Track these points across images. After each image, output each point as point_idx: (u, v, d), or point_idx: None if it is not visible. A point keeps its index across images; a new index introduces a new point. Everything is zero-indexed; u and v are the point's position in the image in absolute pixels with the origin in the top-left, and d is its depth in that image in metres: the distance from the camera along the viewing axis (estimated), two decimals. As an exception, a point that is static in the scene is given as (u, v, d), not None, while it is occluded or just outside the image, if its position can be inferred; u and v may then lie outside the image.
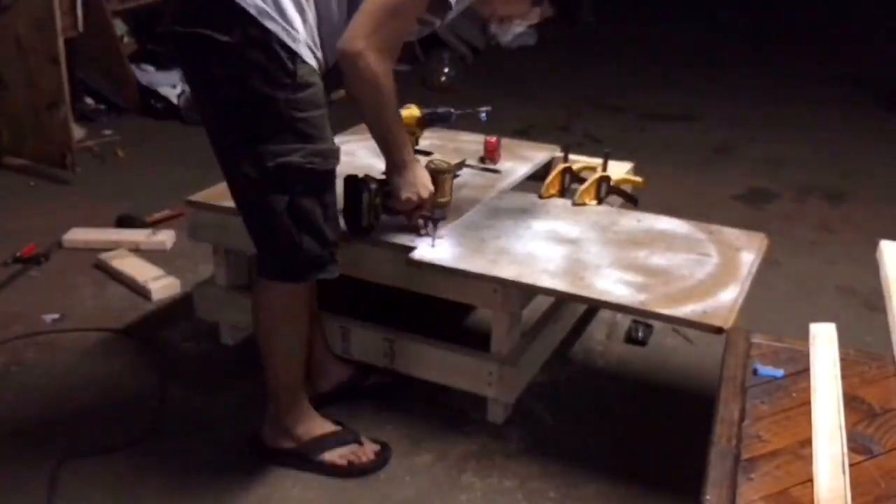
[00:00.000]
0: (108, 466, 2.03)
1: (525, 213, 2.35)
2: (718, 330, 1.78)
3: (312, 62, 1.69)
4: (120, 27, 4.93)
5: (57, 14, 3.66)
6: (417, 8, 1.72)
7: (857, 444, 1.36)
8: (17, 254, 3.07)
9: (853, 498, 1.23)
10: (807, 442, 1.36)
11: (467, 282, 2.03)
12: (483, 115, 2.53)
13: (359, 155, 2.56)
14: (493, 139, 2.68)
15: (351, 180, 1.99)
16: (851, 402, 1.47)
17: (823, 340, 1.63)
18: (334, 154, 1.75)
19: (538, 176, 2.67)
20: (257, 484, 1.98)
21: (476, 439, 2.14)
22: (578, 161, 2.60)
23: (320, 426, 2.02)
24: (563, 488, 1.99)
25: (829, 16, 7.66)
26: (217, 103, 1.71)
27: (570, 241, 2.18)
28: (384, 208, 2.08)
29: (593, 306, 2.53)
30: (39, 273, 3.00)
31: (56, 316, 2.70)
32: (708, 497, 1.26)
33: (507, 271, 2.00)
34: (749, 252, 2.13)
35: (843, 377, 1.52)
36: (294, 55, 1.63)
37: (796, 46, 6.99)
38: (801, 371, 1.57)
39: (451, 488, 1.98)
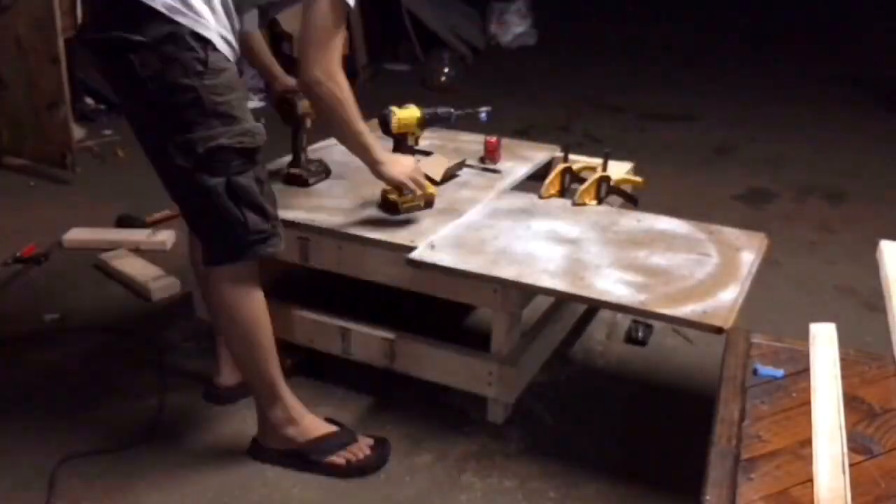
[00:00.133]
0: (108, 466, 2.03)
1: (525, 213, 2.35)
2: (718, 330, 1.78)
3: (225, 49, 1.78)
4: (120, 27, 4.92)
5: (57, 14, 3.66)
6: (343, 18, 1.83)
7: (857, 444, 1.36)
8: (17, 254, 3.07)
9: (853, 498, 1.23)
10: (807, 442, 1.36)
11: (467, 282, 2.03)
12: (483, 115, 2.53)
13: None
14: (493, 139, 2.68)
15: None
16: (851, 402, 1.47)
17: (823, 340, 1.63)
18: (260, 131, 1.83)
19: (538, 176, 2.67)
20: (257, 484, 1.98)
21: (476, 439, 2.14)
22: (578, 161, 2.60)
23: (317, 426, 2.02)
24: (563, 488, 1.99)
25: (829, 16, 7.66)
26: (141, 101, 1.76)
27: (570, 241, 2.18)
28: (383, 206, 2.09)
29: (593, 306, 2.53)
30: (39, 273, 3.01)
31: (56, 316, 2.70)
32: (708, 497, 1.26)
33: (507, 271, 2.00)
34: (749, 252, 2.13)
35: (843, 377, 1.52)
36: (206, 44, 1.71)
37: (796, 46, 7.00)
38: (801, 371, 1.57)
39: (451, 488, 1.98)
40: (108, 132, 4.57)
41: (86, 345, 2.55)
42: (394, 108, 2.28)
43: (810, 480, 1.28)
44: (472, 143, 2.78)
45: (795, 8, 7.83)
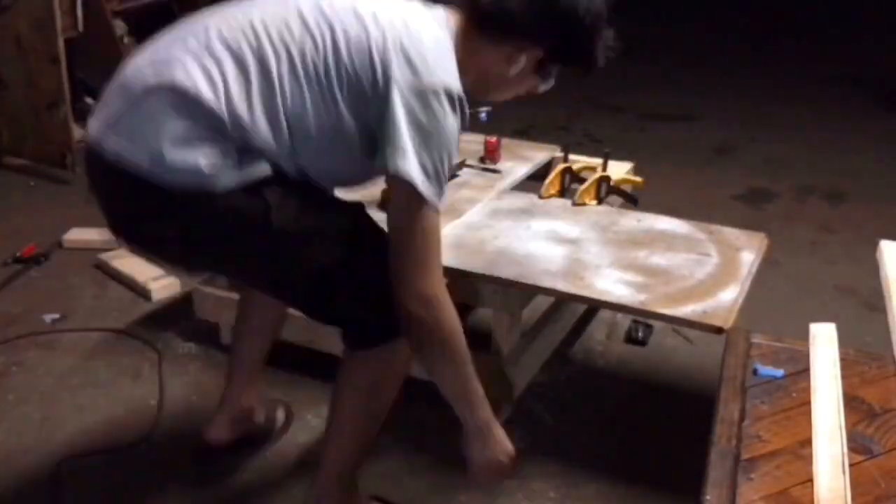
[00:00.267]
0: (108, 466, 2.03)
1: (525, 213, 2.35)
2: (718, 330, 1.78)
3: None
4: (120, 27, 4.93)
5: (57, 14, 3.66)
6: (438, 227, 1.49)
7: (857, 444, 1.36)
8: (17, 254, 3.07)
9: (853, 498, 1.23)
10: (807, 442, 1.36)
11: (467, 282, 2.03)
12: (483, 115, 2.53)
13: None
14: (493, 139, 2.68)
15: None
16: (851, 402, 1.47)
17: (823, 340, 1.63)
18: (346, 206, 1.59)
19: (538, 176, 2.67)
20: (258, 483, 1.98)
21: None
22: (578, 161, 2.60)
23: None
24: (563, 488, 1.99)
25: (829, 16, 7.66)
26: (230, 255, 1.54)
27: (570, 241, 2.18)
28: (383, 207, 2.04)
29: (593, 306, 2.52)
30: (39, 273, 3.01)
31: (56, 316, 2.70)
32: (708, 497, 1.26)
33: (507, 271, 2.00)
34: (749, 252, 2.13)
35: (843, 377, 1.52)
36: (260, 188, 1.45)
37: (796, 46, 6.99)
38: (801, 371, 1.56)
39: (451, 488, 1.98)
40: (108, 132, 4.57)
41: (86, 345, 2.55)
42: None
43: (810, 480, 1.28)
44: (472, 143, 2.78)
45: (795, 8, 7.83)
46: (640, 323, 2.60)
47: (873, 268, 1.99)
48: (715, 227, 2.28)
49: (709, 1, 8.02)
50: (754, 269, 2.06)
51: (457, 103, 1.42)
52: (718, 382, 1.56)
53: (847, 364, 1.58)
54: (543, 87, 1.57)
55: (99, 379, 2.39)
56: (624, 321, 2.68)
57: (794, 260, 3.19)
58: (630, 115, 5.16)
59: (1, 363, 2.45)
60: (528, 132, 4.59)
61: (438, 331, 1.49)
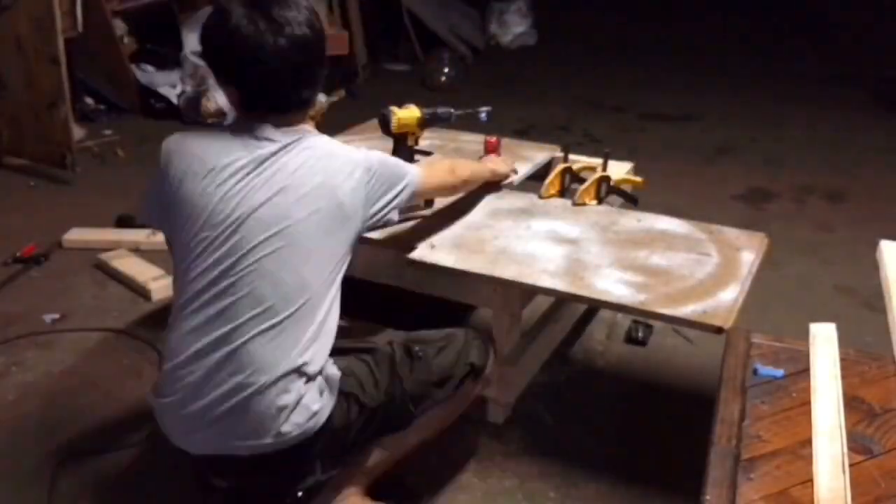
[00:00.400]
0: (108, 466, 2.03)
1: (525, 213, 2.34)
2: (718, 330, 1.78)
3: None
4: (120, 27, 4.93)
5: (57, 14, 3.66)
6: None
7: (857, 444, 1.36)
8: (17, 254, 3.07)
9: (853, 498, 1.23)
10: (807, 442, 1.36)
11: (467, 282, 2.03)
12: (483, 115, 2.52)
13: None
14: (493, 139, 2.68)
15: None
16: (851, 402, 1.47)
17: (823, 340, 1.63)
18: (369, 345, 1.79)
19: (538, 176, 2.66)
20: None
21: (476, 439, 2.14)
22: (578, 161, 2.60)
23: None
24: (563, 488, 1.99)
25: (828, 16, 7.66)
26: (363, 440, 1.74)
27: (570, 241, 2.18)
28: None
29: (593, 306, 2.52)
30: (39, 273, 3.01)
31: (56, 316, 2.70)
32: (708, 497, 1.26)
33: (507, 271, 1.99)
34: (749, 252, 2.13)
35: (843, 377, 1.52)
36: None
37: (796, 46, 6.99)
38: (801, 371, 1.56)
39: (451, 488, 1.98)
40: (108, 132, 4.58)
41: (86, 345, 2.55)
42: (394, 108, 2.28)
43: (810, 480, 1.28)
44: (472, 143, 2.78)
45: (795, 8, 7.83)
46: (640, 323, 2.60)
47: (873, 268, 1.99)
48: (715, 227, 2.27)
49: (709, 1, 8.03)
50: (754, 269, 2.06)
51: None
52: (718, 382, 1.56)
53: (847, 364, 1.58)
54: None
55: (99, 379, 2.39)
56: (624, 321, 2.68)
57: (794, 260, 3.19)
58: (630, 115, 5.17)
59: (1, 363, 2.45)
60: (528, 132, 4.59)
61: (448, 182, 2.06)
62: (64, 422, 2.19)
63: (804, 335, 1.68)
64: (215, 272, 1.50)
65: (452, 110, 2.39)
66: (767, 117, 5.12)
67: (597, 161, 2.53)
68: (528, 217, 2.32)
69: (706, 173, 4.20)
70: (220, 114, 4.82)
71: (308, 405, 1.53)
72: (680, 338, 2.63)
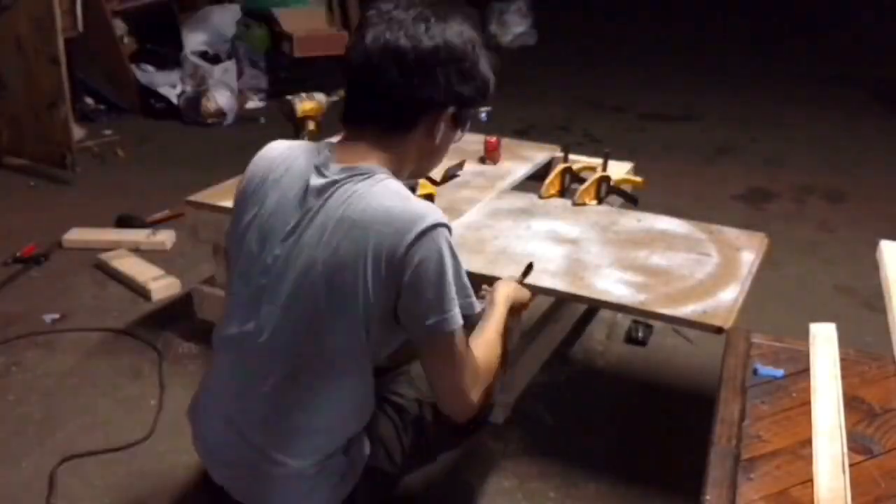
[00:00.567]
0: (107, 466, 2.03)
1: (525, 213, 2.35)
2: (718, 330, 1.78)
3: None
4: (120, 27, 4.93)
5: (57, 14, 3.66)
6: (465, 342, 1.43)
7: (857, 444, 1.36)
8: (17, 254, 3.07)
9: (853, 498, 1.22)
10: (807, 442, 1.36)
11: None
12: (483, 115, 2.53)
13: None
14: (493, 139, 2.68)
15: None
16: (851, 402, 1.47)
17: (823, 340, 1.63)
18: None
19: (538, 176, 2.67)
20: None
21: (476, 439, 2.14)
22: (578, 161, 2.60)
23: None
24: (563, 488, 1.99)
25: (829, 16, 7.66)
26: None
27: (570, 241, 2.18)
28: None
29: (593, 306, 2.52)
30: (39, 273, 3.01)
31: (56, 316, 2.70)
32: (708, 497, 1.26)
33: (506, 271, 1.99)
34: (749, 252, 2.13)
35: (843, 377, 1.52)
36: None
37: (796, 46, 7.00)
38: (801, 371, 1.56)
39: (452, 488, 1.98)
40: (108, 132, 4.58)
41: (86, 345, 2.55)
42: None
43: (810, 480, 1.27)
44: (472, 143, 2.78)
45: (795, 8, 7.83)
46: (640, 323, 2.60)
47: (873, 268, 1.99)
48: (715, 227, 2.28)
49: (709, 1, 8.03)
50: (754, 269, 2.06)
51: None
52: (718, 382, 1.56)
53: (847, 364, 1.58)
54: (462, 135, 1.54)
55: (99, 379, 2.39)
56: (624, 321, 2.68)
57: (794, 260, 3.19)
58: (630, 115, 5.17)
59: (1, 363, 2.45)
60: (528, 132, 4.59)
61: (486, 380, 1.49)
62: (64, 422, 2.19)
63: (804, 335, 1.67)
64: None
65: (452, 110, 2.38)
66: (767, 117, 5.12)
67: (597, 161, 2.54)
68: (528, 217, 2.32)
69: (706, 173, 4.20)
70: (220, 114, 4.82)
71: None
72: (680, 338, 2.63)
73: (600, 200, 2.47)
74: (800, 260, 3.21)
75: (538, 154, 2.82)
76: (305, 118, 2.42)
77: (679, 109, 5.27)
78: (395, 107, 1.38)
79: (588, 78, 6.02)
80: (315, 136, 2.51)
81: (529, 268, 1.91)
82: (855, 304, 2.87)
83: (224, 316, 1.49)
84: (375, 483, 1.53)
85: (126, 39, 5.00)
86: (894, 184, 4.06)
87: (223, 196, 2.35)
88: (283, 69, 5.30)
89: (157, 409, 2.24)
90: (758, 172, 4.17)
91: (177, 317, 2.68)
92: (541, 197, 2.44)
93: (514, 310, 1.72)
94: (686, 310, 1.85)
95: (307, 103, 2.40)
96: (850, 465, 1.29)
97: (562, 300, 2.30)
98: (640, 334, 2.60)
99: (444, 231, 1.33)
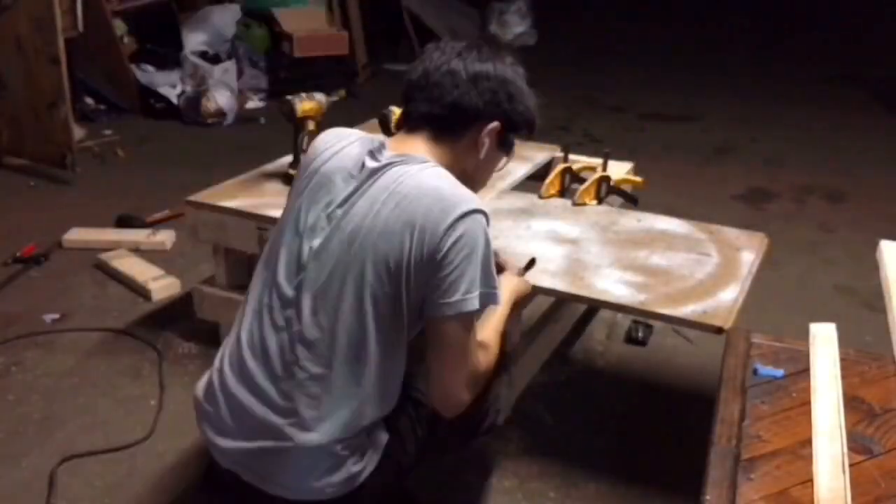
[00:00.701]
0: (107, 466, 2.03)
1: (525, 213, 2.35)
2: (718, 330, 1.78)
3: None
4: (120, 27, 4.93)
5: (57, 14, 3.66)
6: (473, 330, 1.47)
7: (857, 444, 1.36)
8: (17, 254, 3.07)
9: (853, 498, 1.23)
10: (807, 442, 1.36)
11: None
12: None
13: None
14: (493, 139, 2.67)
15: None
16: (851, 402, 1.47)
17: (823, 340, 1.63)
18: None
19: (538, 176, 2.67)
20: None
21: (476, 439, 2.13)
22: (578, 161, 2.60)
23: None
24: (563, 488, 1.99)
25: (828, 16, 7.66)
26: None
27: (570, 241, 2.18)
28: None
29: (593, 306, 2.52)
30: (39, 273, 3.00)
31: (56, 316, 2.70)
32: (708, 497, 1.26)
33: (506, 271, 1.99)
34: (749, 252, 2.13)
35: (843, 377, 1.52)
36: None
37: (796, 46, 7.00)
38: (801, 371, 1.56)
39: (452, 488, 1.98)
40: (108, 132, 4.58)
41: (86, 345, 2.55)
42: (394, 108, 2.28)
43: (810, 480, 1.27)
44: (472, 143, 2.78)
45: (795, 8, 7.83)
46: (640, 323, 2.60)
47: (873, 268, 1.99)
48: (715, 227, 2.28)
49: (709, 1, 8.03)
50: (754, 269, 2.06)
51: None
52: (718, 382, 1.56)
53: (847, 364, 1.58)
54: (507, 161, 1.65)
55: (99, 379, 2.39)
56: (624, 321, 2.68)
57: (794, 260, 3.19)
58: (630, 115, 5.17)
59: (1, 363, 2.45)
60: (528, 132, 4.58)
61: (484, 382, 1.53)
62: (64, 422, 2.19)
63: (804, 335, 1.67)
64: None
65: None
66: (767, 117, 5.12)
67: (597, 161, 2.54)
68: (528, 217, 2.32)
69: (706, 173, 4.20)
70: (220, 114, 4.82)
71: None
72: (680, 338, 2.63)
73: (600, 200, 2.47)
74: (800, 260, 3.21)
75: (538, 154, 2.82)
76: (305, 118, 2.42)
77: (679, 109, 5.27)
78: (446, 110, 1.49)
79: (588, 78, 6.02)
80: (315, 137, 2.51)
81: (532, 262, 1.92)
82: (855, 304, 2.87)
83: (258, 282, 1.53)
84: (387, 472, 1.54)
85: (126, 39, 5.00)
86: (894, 184, 4.06)
87: (223, 196, 2.35)
88: (283, 69, 5.30)
89: (157, 409, 2.24)
90: (758, 172, 4.17)
91: (177, 317, 2.68)
92: (541, 197, 2.44)
93: (516, 304, 1.74)
94: (686, 310, 1.85)
95: (307, 103, 2.40)
96: (850, 465, 1.29)
97: (562, 300, 2.30)
98: (640, 334, 2.60)
99: (483, 219, 1.43)
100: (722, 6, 7.92)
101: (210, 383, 1.56)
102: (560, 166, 2.53)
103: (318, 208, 1.47)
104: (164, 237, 3.20)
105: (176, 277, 2.87)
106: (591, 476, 2.02)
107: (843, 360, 1.58)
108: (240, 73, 5.20)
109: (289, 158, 2.51)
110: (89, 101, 4.91)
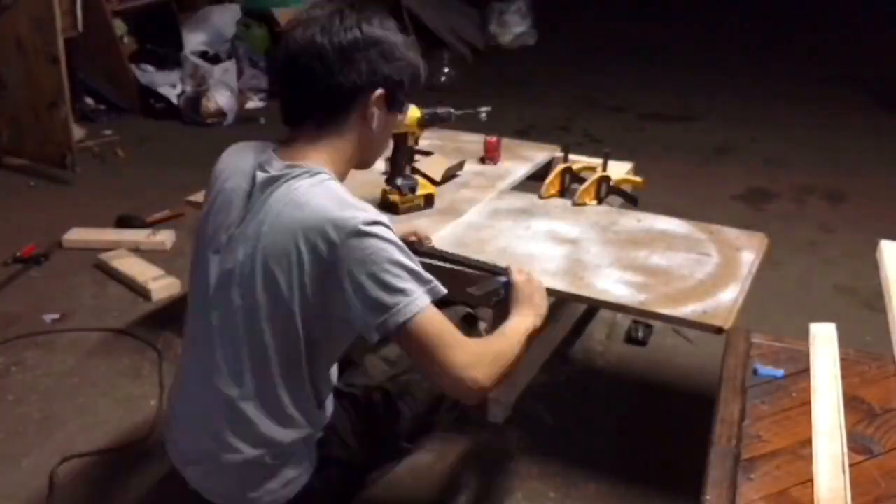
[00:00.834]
0: (107, 466, 2.03)
1: (525, 213, 2.35)
2: (718, 330, 1.78)
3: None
4: (120, 27, 4.93)
5: (57, 14, 3.66)
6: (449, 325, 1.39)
7: (857, 444, 1.36)
8: (17, 254, 3.07)
9: (853, 498, 1.22)
10: (807, 442, 1.36)
11: (467, 282, 2.03)
12: (483, 115, 2.53)
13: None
14: (493, 139, 2.68)
15: None
16: (851, 402, 1.47)
17: (823, 340, 1.63)
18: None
19: (538, 176, 2.67)
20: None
21: (476, 439, 2.14)
22: (578, 161, 2.60)
23: None
24: (563, 488, 1.99)
25: (828, 16, 7.66)
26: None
27: (570, 241, 2.18)
28: (383, 206, 2.07)
29: (593, 306, 2.52)
30: (39, 273, 3.01)
31: (56, 316, 2.70)
32: (708, 497, 1.26)
33: (507, 271, 1.99)
34: (749, 252, 2.13)
35: (843, 377, 1.52)
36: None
37: (796, 46, 6.99)
38: (801, 371, 1.56)
39: (452, 488, 1.98)
40: (108, 132, 4.58)
41: (86, 345, 2.55)
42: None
43: (810, 480, 1.27)
44: (472, 143, 2.78)
45: (795, 8, 7.83)
46: (640, 323, 2.60)
47: (873, 268, 1.99)
48: (715, 227, 2.27)
49: (709, 1, 8.03)
50: (754, 269, 2.06)
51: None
52: (718, 382, 1.56)
53: (847, 364, 1.58)
54: (403, 118, 1.56)
55: (99, 379, 2.39)
56: (624, 321, 2.68)
57: (794, 260, 3.19)
58: (630, 115, 5.16)
59: (1, 363, 2.45)
60: (528, 132, 4.59)
61: (499, 366, 1.43)
62: (64, 422, 2.19)
63: (804, 335, 1.67)
64: None
65: (452, 110, 2.39)
66: (767, 117, 5.12)
67: (597, 161, 2.53)
68: (528, 217, 2.32)
69: (706, 173, 4.20)
70: (220, 114, 4.82)
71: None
72: (680, 338, 2.63)
73: (600, 200, 2.47)
74: (800, 260, 3.21)
75: (538, 154, 2.82)
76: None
77: (679, 109, 5.27)
78: (324, 98, 1.40)
79: (588, 78, 6.01)
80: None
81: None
82: (855, 304, 2.87)
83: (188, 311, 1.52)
84: (332, 472, 1.53)
85: (126, 39, 5.00)
86: (894, 184, 4.06)
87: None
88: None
89: (157, 409, 2.24)
90: (758, 172, 4.17)
91: (177, 317, 2.67)
92: (541, 197, 2.44)
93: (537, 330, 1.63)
94: (686, 310, 1.85)
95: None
96: (850, 465, 1.29)
97: (562, 300, 2.30)
98: (640, 334, 2.60)
99: (380, 228, 1.33)
100: (722, 6, 7.91)
101: (169, 405, 1.60)
102: (560, 166, 2.53)
103: (221, 231, 1.42)
104: (164, 237, 3.20)
105: (176, 277, 2.87)
106: (591, 476, 2.02)
107: (843, 360, 1.58)
108: (240, 73, 5.20)
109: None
110: (89, 101, 4.91)
